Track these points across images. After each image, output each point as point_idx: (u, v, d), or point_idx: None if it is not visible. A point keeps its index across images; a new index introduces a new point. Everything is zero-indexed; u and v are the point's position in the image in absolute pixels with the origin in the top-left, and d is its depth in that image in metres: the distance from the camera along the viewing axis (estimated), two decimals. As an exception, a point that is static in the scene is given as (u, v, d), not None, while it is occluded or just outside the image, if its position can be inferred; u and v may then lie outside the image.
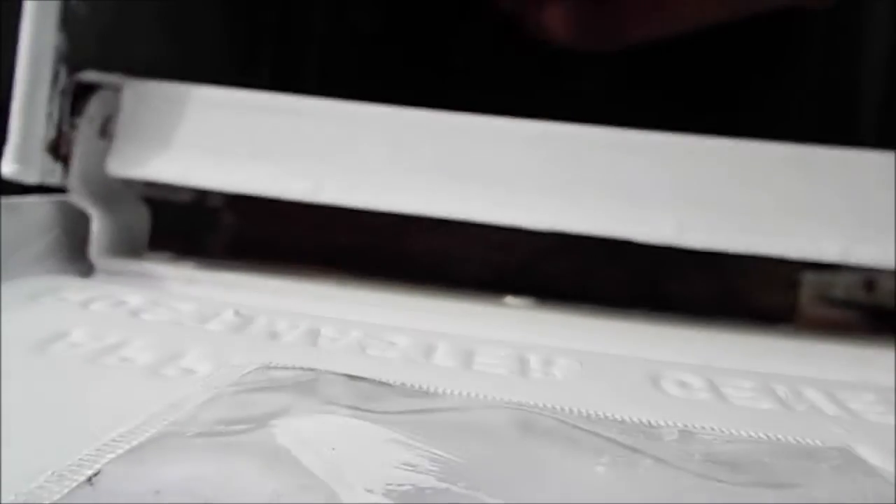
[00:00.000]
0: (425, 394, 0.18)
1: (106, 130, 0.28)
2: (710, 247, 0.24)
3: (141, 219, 0.30)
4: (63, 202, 0.28)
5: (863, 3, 0.48)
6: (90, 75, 0.27)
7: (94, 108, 0.28)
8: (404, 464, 0.13)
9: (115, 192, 0.29)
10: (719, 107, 0.49)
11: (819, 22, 0.48)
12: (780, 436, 0.17)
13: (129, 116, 0.27)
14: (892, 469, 0.16)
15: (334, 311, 0.25)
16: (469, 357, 0.21)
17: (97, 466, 0.12)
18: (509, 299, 0.27)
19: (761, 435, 0.17)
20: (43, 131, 0.26)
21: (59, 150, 0.27)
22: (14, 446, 0.13)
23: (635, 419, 0.17)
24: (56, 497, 0.11)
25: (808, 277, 0.38)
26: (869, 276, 0.39)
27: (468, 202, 0.25)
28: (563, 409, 0.18)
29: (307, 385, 0.17)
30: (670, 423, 0.17)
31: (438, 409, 0.17)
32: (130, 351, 0.19)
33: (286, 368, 0.18)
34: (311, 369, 0.18)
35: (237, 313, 0.23)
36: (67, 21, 0.26)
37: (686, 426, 0.17)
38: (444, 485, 0.13)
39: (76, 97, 0.27)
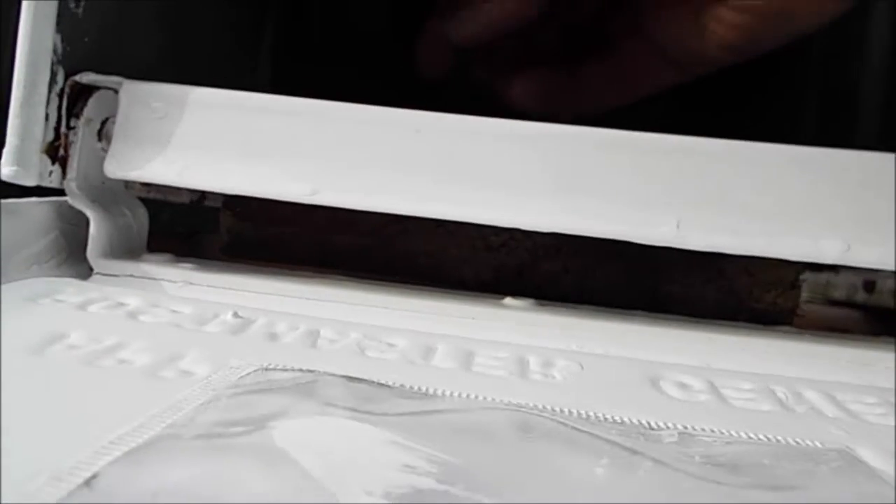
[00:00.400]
0: (424, 395, 0.18)
1: (104, 132, 0.28)
2: (710, 247, 0.24)
3: (139, 220, 0.30)
4: (61, 204, 0.28)
5: (865, 5, 0.48)
6: (88, 77, 0.27)
7: (91, 109, 0.28)
8: (403, 465, 0.13)
9: (114, 194, 0.29)
10: (719, 108, 0.49)
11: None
12: (779, 437, 0.17)
13: (126, 118, 0.27)
14: (893, 471, 0.16)
15: (333, 312, 0.25)
16: (468, 358, 0.21)
17: (95, 469, 0.12)
18: (508, 300, 0.27)
19: (761, 437, 0.17)
20: (41, 133, 0.26)
21: (56, 152, 0.27)
22: (12, 448, 0.13)
23: (635, 421, 0.17)
24: (54, 499, 0.11)
25: (808, 278, 0.38)
26: (869, 277, 0.39)
27: (467, 203, 0.25)
28: (562, 411, 0.18)
29: (306, 387, 0.17)
30: (670, 424, 0.17)
31: (438, 411, 0.17)
32: (129, 353, 0.19)
33: (285, 370, 0.18)
34: (310, 371, 0.18)
35: (236, 315, 0.23)
36: (65, 22, 0.26)
37: (686, 428, 0.17)
38: (443, 487, 0.13)
39: (74, 99, 0.27)
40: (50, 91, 0.26)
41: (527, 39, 0.40)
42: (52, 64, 0.26)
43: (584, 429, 0.16)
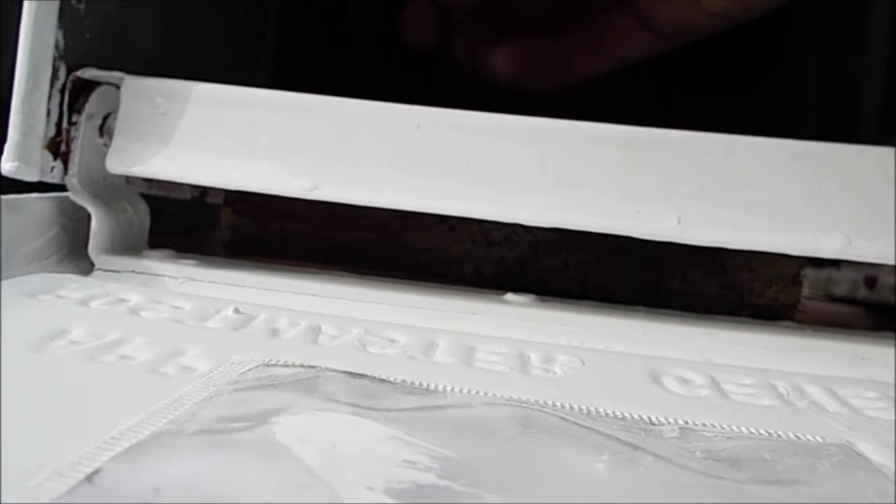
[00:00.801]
0: (426, 391, 0.18)
1: (105, 128, 0.28)
2: (711, 243, 0.24)
3: (141, 216, 0.30)
4: (63, 200, 0.28)
5: (865, 2, 0.48)
6: (89, 72, 0.27)
7: (93, 105, 0.28)
8: (404, 461, 0.13)
9: (115, 190, 0.29)
10: (720, 103, 0.49)
11: (820, 18, 0.48)
12: (780, 432, 0.17)
13: (128, 113, 0.27)
14: (893, 465, 0.16)
15: (334, 308, 0.25)
16: (469, 354, 0.21)
17: (97, 464, 0.12)
18: (509, 296, 0.27)
19: (762, 431, 0.17)
20: (43, 129, 0.26)
21: (58, 147, 0.27)
22: (13, 444, 0.13)
23: (636, 416, 0.17)
24: (55, 495, 0.11)
25: (810, 274, 0.38)
26: (870, 273, 0.39)
27: (468, 199, 0.25)
28: (563, 406, 0.18)
29: (307, 382, 0.17)
30: (671, 419, 0.17)
31: (439, 407, 0.17)
32: (130, 349, 0.19)
33: (286, 366, 0.18)
34: (312, 366, 0.18)
35: (237, 311, 0.23)
36: (67, 18, 0.26)
37: (687, 423, 0.17)
38: (444, 482, 0.13)
39: (75, 94, 0.27)
40: (52, 87, 0.26)
41: (509, 7, 0.40)
42: (54, 59, 0.26)
43: (586, 424, 0.16)
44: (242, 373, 0.18)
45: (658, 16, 0.36)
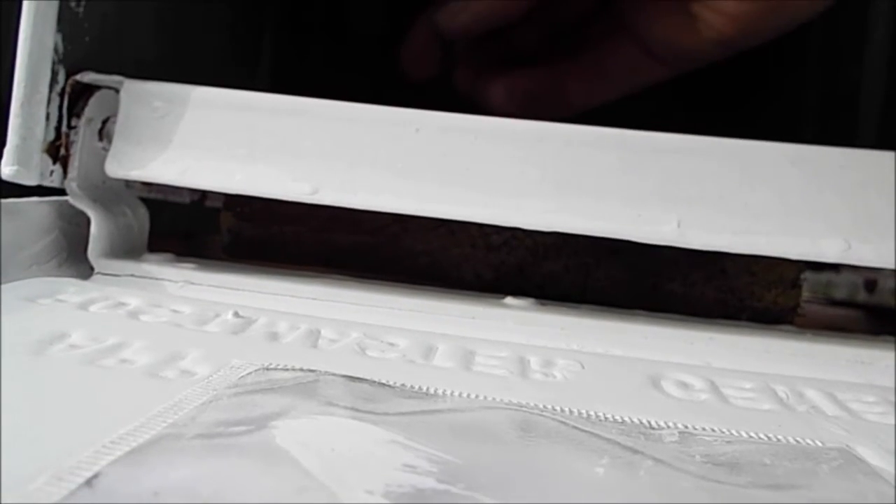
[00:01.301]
0: (425, 395, 0.18)
1: (105, 132, 0.28)
2: (711, 247, 0.24)
3: (140, 220, 0.30)
4: (62, 204, 0.28)
5: (865, 2, 0.48)
6: (89, 76, 0.27)
7: (92, 109, 0.28)
8: (404, 465, 0.13)
9: (115, 194, 0.29)
10: (719, 106, 0.49)
11: (820, 20, 0.48)
12: (780, 436, 0.17)
13: (127, 117, 0.27)
14: (893, 470, 0.16)
15: (334, 312, 0.25)
16: (469, 358, 0.21)
17: (96, 468, 0.12)
18: (509, 300, 0.27)
19: (761, 436, 0.17)
20: (42, 133, 0.26)
21: (57, 151, 0.27)
22: (13, 448, 0.13)
23: (635, 420, 0.17)
24: (55, 499, 0.11)
25: (809, 277, 0.38)
26: (870, 277, 0.39)
27: (467, 202, 0.25)
28: (563, 410, 0.18)
29: (307, 386, 0.17)
30: (670, 424, 0.17)
31: (438, 411, 0.17)
32: (130, 352, 0.19)
33: (286, 370, 0.18)
34: (311, 370, 0.18)
35: (237, 315, 0.23)
36: (66, 21, 0.26)
37: (686, 427, 0.17)
38: (443, 486, 0.13)
39: (75, 98, 0.27)
40: (51, 90, 0.26)
41: (511, 39, 0.40)
42: (53, 63, 0.26)
43: (585, 428, 0.16)
44: (242, 377, 0.18)
45: (661, 45, 0.36)
